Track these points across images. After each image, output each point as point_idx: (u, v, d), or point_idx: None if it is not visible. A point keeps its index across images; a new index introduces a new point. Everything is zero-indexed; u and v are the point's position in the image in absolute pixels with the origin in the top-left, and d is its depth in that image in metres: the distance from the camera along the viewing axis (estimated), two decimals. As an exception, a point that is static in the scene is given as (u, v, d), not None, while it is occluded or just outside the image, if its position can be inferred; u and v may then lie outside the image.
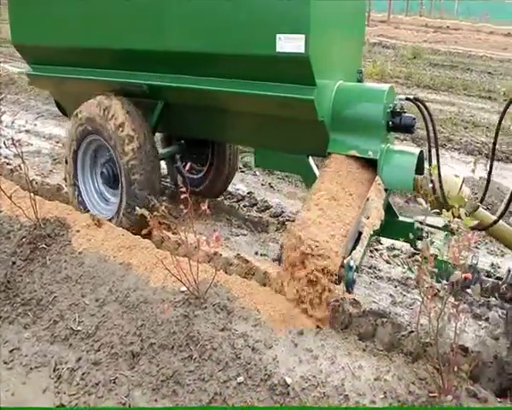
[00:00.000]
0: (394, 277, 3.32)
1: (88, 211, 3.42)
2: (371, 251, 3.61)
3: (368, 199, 2.50)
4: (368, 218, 2.42)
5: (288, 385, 2.01)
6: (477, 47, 14.75)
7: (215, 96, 2.99)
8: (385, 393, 1.98)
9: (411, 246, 3.04)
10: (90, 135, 3.38)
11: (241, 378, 2.05)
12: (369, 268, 3.38)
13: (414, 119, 2.77)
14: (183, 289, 2.49)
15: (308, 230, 2.31)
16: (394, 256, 3.57)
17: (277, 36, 2.57)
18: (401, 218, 3.00)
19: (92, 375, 2.14)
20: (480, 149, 5.92)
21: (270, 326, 2.30)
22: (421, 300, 1.97)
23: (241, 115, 3.06)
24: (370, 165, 2.72)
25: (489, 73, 11.07)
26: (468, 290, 2.45)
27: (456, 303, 1.94)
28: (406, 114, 2.76)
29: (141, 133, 3.19)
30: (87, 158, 3.56)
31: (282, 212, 4.15)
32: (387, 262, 3.45)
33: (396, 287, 3.20)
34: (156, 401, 2.03)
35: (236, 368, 2.10)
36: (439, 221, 2.86)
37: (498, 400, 2.05)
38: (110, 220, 3.33)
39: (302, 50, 2.52)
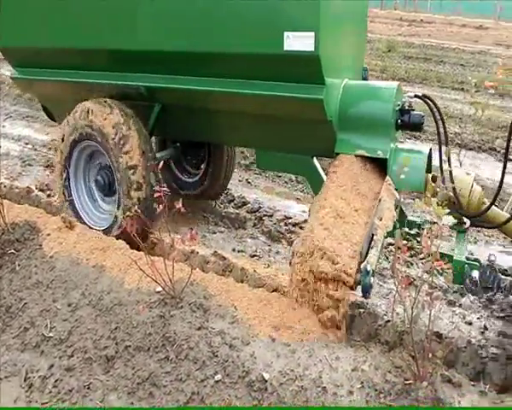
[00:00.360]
0: (371, 268, 3.34)
1: (82, 221, 3.26)
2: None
3: (380, 200, 2.45)
4: (381, 219, 2.37)
5: (266, 381, 2.01)
6: (450, 40, 15.03)
7: (218, 97, 2.88)
8: (362, 383, 2.00)
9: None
10: (84, 141, 3.23)
11: (218, 377, 2.04)
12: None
13: (423, 116, 2.73)
14: (159, 289, 2.46)
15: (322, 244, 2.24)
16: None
17: (285, 34, 2.47)
18: (410, 218, 2.94)
19: (65, 382, 2.09)
20: (453, 139, 6.04)
21: (248, 323, 2.30)
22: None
23: (244, 116, 2.95)
24: (379, 165, 2.66)
25: (461, 64, 11.29)
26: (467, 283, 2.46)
27: (430, 291, 1.97)
28: (415, 112, 2.73)
29: (139, 137, 3.06)
30: (80, 165, 3.39)
31: (260, 207, 4.14)
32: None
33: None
34: (132, 403, 2.00)
35: (214, 366, 2.08)
36: (447, 220, 2.86)
37: (472, 383, 2.10)
38: (107, 231, 3.15)
39: (312, 48, 2.44)
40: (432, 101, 2.75)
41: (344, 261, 2.19)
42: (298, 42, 2.46)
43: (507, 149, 2.47)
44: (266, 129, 2.97)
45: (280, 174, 4.78)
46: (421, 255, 2.19)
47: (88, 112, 3.13)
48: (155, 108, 3.21)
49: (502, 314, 2.89)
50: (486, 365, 2.31)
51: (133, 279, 2.58)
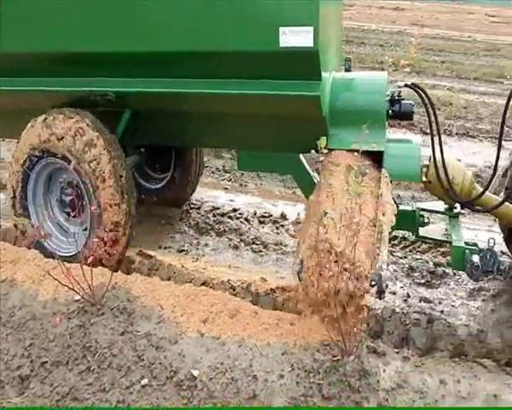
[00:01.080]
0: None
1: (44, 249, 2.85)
2: (277, 227, 3.68)
3: (381, 195, 2.40)
4: (384, 215, 2.32)
5: (196, 377, 1.98)
6: (369, 21, 15.63)
7: (204, 99, 2.68)
8: (292, 365, 2.02)
9: (413, 234, 2.96)
10: (45, 158, 2.87)
11: (145, 381, 1.97)
12: (275, 245, 3.45)
13: (413, 105, 2.75)
14: (77, 297, 2.33)
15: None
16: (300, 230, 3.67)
17: (281, 29, 2.33)
18: (401, 207, 2.92)
19: (-26, 411, 1.92)
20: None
21: (175, 321, 2.25)
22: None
23: (231, 117, 2.77)
24: (373, 157, 2.60)
25: (380, 45, 11.79)
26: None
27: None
28: (405, 101, 2.73)
29: (111, 148, 2.76)
30: (40, 185, 3.01)
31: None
32: (293, 237, 3.55)
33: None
34: (52, 423, 1.88)
35: (140, 371, 2.01)
36: (438, 205, 2.87)
37: (396, 350, 2.22)
38: (76, 257, 2.69)
39: (310, 44, 2.32)
40: (423, 90, 2.73)
41: (360, 263, 2.05)
42: (295, 37, 2.33)
43: (501, 134, 2.55)
44: (253, 128, 2.82)
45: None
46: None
47: (49, 125, 2.78)
48: (125, 115, 2.92)
49: (422, 281, 3.09)
50: (409, 331, 2.45)
51: (48, 290, 2.42)
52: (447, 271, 3.17)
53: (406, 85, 2.76)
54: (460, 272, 3.05)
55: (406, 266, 3.25)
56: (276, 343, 2.14)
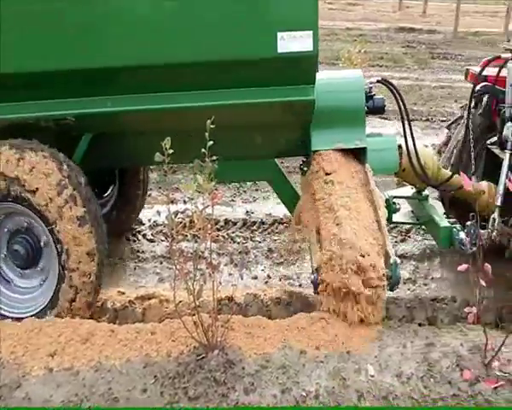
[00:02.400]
0: (159, 253, 3.34)
1: None
2: (133, 234, 3.54)
3: (372, 190, 2.45)
4: (380, 209, 2.37)
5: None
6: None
7: (189, 112, 2.42)
8: (155, 376, 1.94)
9: (387, 221, 2.88)
10: None
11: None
12: (132, 253, 3.31)
13: (385, 100, 2.82)
14: None
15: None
16: (157, 233, 3.59)
17: (279, 34, 2.22)
18: None
19: None
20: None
21: (16, 362, 2.00)
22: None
23: (214, 130, 2.42)
24: (355, 155, 2.64)
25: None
26: None
27: (212, 263, 2.02)
28: (377, 97, 2.78)
29: (73, 178, 2.36)
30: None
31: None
32: (151, 241, 3.45)
33: (162, 263, 3.23)
34: None
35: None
36: (406, 191, 3.00)
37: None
38: (42, 313, 2.37)
39: (310, 48, 2.25)
40: (392, 85, 2.85)
41: (374, 260, 2.09)
42: (294, 42, 2.24)
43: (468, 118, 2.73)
44: (236, 139, 2.62)
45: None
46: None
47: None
48: (84, 139, 2.51)
49: (281, 260, 3.28)
50: (271, 311, 2.57)
51: None
52: (303, 246, 3.42)
53: (378, 81, 2.87)
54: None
55: (265, 248, 3.41)
56: (137, 357, 2.04)
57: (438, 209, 2.98)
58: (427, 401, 1.77)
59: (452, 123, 3.34)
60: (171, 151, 1.93)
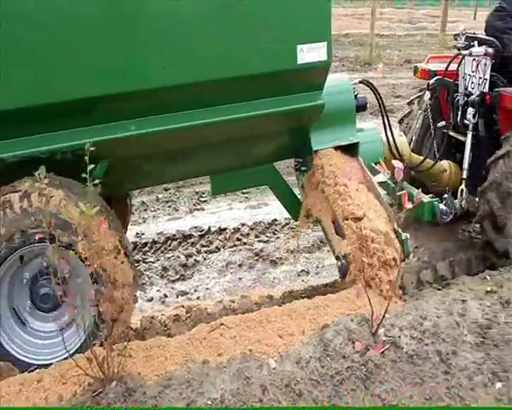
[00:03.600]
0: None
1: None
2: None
3: (371, 179, 2.74)
4: (380, 195, 2.71)
5: None
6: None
7: (210, 128, 2.44)
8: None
9: None
10: (28, 245, 2.12)
11: None
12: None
13: (366, 98, 3.08)
14: None
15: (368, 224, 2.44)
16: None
17: (298, 47, 2.40)
18: None
19: None
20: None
21: None
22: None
23: (228, 142, 2.60)
24: (347, 149, 2.89)
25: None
26: None
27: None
28: (360, 96, 3.04)
29: (105, 211, 2.25)
30: (5, 279, 2.21)
31: None
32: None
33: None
34: None
35: None
36: (381, 177, 2.99)
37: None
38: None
39: (325, 58, 2.47)
40: (372, 85, 3.17)
41: (394, 242, 2.44)
42: (311, 54, 2.45)
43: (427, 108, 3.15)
44: (244, 149, 2.73)
45: None
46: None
47: (28, 201, 2.09)
48: (100, 166, 2.25)
49: (177, 276, 3.26)
50: (170, 329, 2.53)
51: None
52: (198, 259, 3.44)
53: (360, 82, 3.14)
54: (210, 256, 3.38)
55: (159, 267, 3.36)
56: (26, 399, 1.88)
57: (413, 189, 3.30)
58: (326, 379, 1.89)
59: (404, 117, 3.72)
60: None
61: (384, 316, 2.15)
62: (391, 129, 3.21)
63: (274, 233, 3.99)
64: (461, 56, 3.20)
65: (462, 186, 3.16)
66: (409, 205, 2.13)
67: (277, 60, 2.43)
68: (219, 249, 3.74)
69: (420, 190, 3.01)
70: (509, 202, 2.88)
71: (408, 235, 2.53)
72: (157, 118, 2.33)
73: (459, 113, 3.29)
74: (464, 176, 3.17)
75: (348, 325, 2.15)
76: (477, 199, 3.06)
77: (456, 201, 3.15)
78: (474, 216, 3.10)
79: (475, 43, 3.17)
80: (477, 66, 3.18)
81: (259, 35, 2.38)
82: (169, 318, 2.66)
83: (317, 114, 2.68)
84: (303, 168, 2.97)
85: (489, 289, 2.63)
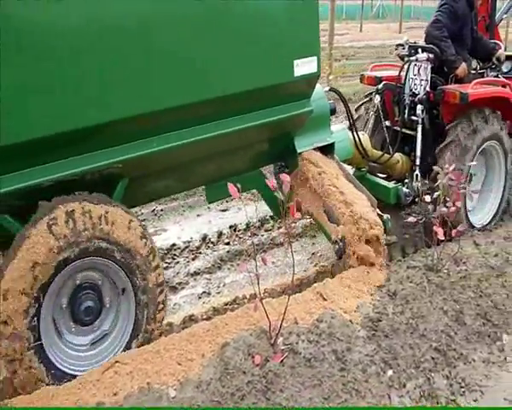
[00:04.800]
0: None
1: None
2: None
3: (348, 173, 3.32)
4: (359, 185, 3.24)
5: None
6: None
7: (215, 140, 2.69)
8: None
9: None
10: (85, 258, 2.22)
11: None
12: None
13: (335, 104, 3.50)
14: None
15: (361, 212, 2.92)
16: None
17: (295, 62, 2.77)
18: None
19: None
20: None
21: None
22: None
23: (226, 153, 2.88)
24: (326, 149, 3.31)
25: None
26: None
27: None
28: (330, 102, 3.44)
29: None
30: (61, 293, 2.25)
31: None
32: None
33: None
34: None
35: None
36: (348, 169, 3.61)
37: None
38: None
39: (315, 70, 2.88)
40: (339, 92, 3.67)
41: (378, 223, 2.92)
42: (305, 67, 2.82)
43: (378, 110, 3.82)
44: (240, 157, 3.03)
45: None
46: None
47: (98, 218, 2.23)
48: (120, 185, 2.48)
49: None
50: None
51: None
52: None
53: (330, 89, 3.64)
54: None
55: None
56: None
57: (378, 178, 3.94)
58: (227, 398, 1.90)
59: (356, 120, 4.01)
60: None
61: (281, 325, 2.22)
62: (356, 130, 3.68)
63: (173, 258, 3.94)
64: (405, 62, 3.82)
65: (417, 172, 3.74)
66: (297, 215, 2.26)
67: (278, 74, 2.79)
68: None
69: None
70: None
71: (389, 215, 3.13)
72: (172, 134, 2.51)
73: (406, 111, 3.83)
74: (417, 163, 3.74)
75: (248, 340, 2.19)
76: (426, 181, 3.71)
77: (414, 184, 3.75)
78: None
79: (419, 50, 3.74)
80: (418, 70, 3.76)
81: (263, 53, 2.70)
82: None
83: (306, 119, 3.09)
84: (286, 170, 3.30)
85: (378, 283, 2.86)
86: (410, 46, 3.85)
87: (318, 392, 1.98)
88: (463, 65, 3.77)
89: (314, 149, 3.22)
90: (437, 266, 2.93)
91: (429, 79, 3.70)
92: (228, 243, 4.09)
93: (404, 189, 3.74)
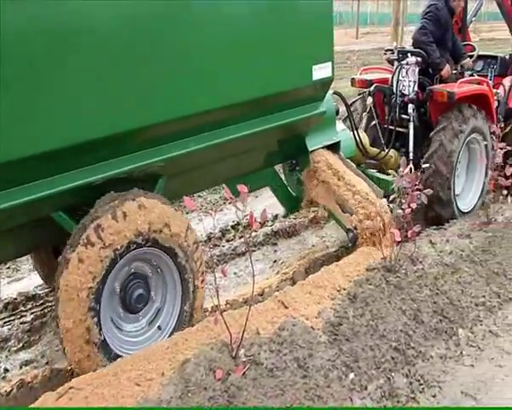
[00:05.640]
0: None
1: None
2: None
3: (354, 167, 3.70)
4: (365, 178, 3.62)
5: None
6: None
7: (242, 140, 2.97)
8: None
9: None
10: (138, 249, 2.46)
11: None
12: None
13: (338, 106, 3.83)
14: None
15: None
16: None
17: (313, 67, 3.13)
18: None
19: None
20: None
21: None
22: None
23: (250, 151, 3.19)
24: (333, 147, 3.65)
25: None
26: None
27: None
28: (334, 104, 3.76)
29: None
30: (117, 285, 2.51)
31: None
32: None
33: None
34: None
35: None
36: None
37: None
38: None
39: (330, 74, 3.23)
40: (341, 95, 3.93)
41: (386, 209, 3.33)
42: (322, 71, 3.17)
43: (374, 109, 4.38)
44: (259, 155, 3.37)
45: None
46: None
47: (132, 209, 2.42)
48: (159, 183, 2.73)
49: (20, 345, 2.95)
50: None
51: None
52: (45, 320, 3.17)
53: (334, 93, 3.82)
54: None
55: None
56: None
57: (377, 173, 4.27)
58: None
59: (346, 118, 4.26)
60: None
61: (242, 337, 2.24)
62: (357, 130, 4.09)
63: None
64: (395, 66, 4.23)
65: (411, 165, 4.02)
66: (256, 225, 2.28)
67: (299, 78, 3.15)
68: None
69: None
70: (449, 160, 3.90)
71: (394, 205, 3.36)
72: (207, 134, 2.79)
73: (397, 110, 4.20)
74: (411, 157, 4.09)
75: (209, 355, 2.19)
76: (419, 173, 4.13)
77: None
78: None
79: (408, 54, 4.14)
80: (407, 72, 4.15)
81: (287, 59, 3.03)
82: (6, 394, 2.40)
83: (319, 118, 3.45)
84: (298, 167, 3.68)
85: (338, 288, 2.92)
86: (399, 51, 4.28)
87: (281, 401, 2.00)
88: (447, 67, 4.19)
89: (322, 147, 3.59)
90: (395, 266, 3.02)
91: (417, 80, 4.11)
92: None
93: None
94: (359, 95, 4.47)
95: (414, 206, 3.12)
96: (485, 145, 4.21)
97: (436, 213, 4.00)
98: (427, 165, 3.83)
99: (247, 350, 2.25)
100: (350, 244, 3.44)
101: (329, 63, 3.23)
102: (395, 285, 2.87)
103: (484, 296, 3.01)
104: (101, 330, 2.35)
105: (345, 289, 2.88)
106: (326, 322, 2.56)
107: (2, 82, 2.01)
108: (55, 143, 2.20)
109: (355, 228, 3.33)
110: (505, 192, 4.04)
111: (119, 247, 2.34)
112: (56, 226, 2.41)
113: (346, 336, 2.48)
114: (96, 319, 2.30)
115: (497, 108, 4.46)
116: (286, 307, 2.66)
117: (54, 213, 2.38)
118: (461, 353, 2.56)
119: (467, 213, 4.17)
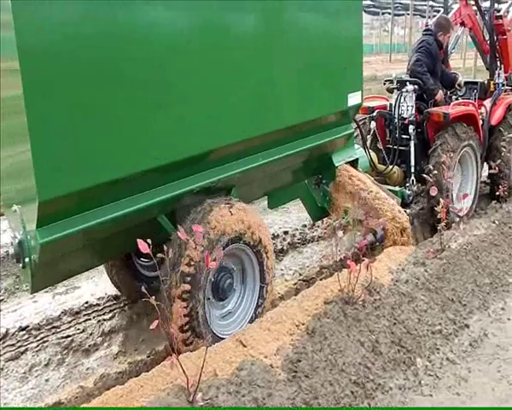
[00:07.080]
0: None
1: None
2: None
3: (373, 180, 4.29)
4: (382, 188, 4.24)
5: None
6: None
7: (286, 158, 3.55)
8: None
9: None
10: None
11: None
12: None
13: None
14: None
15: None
16: None
17: (349, 95, 3.82)
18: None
19: None
20: None
21: None
22: None
23: (289, 167, 3.82)
24: (352, 163, 4.25)
25: None
26: None
27: None
28: None
29: None
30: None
31: None
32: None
33: None
34: None
35: None
36: None
37: None
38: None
39: (359, 101, 3.94)
40: (355, 120, 4.42)
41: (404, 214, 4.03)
42: (354, 98, 3.84)
43: (377, 131, 5.15)
44: (297, 170, 3.97)
45: None
46: None
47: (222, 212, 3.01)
48: (233, 191, 3.33)
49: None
50: None
51: None
52: None
53: None
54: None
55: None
56: None
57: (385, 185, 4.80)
58: None
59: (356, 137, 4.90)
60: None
61: (199, 380, 2.23)
62: (368, 149, 4.80)
63: (88, 318, 3.80)
64: (396, 93, 5.02)
65: (412, 177, 4.97)
66: (212, 265, 2.30)
67: (339, 103, 3.80)
68: (21, 354, 3.40)
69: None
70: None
71: (408, 210, 4.22)
72: (271, 151, 3.39)
73: (397, 132, 4.98)
74: (412, 171, 4.93)
75: (165, 401, 2.17)
76: (420, 184, 5.03)
77: (413, 187, 5.00)
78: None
79: (407, 83, 4.90)
80: (404, 98, 4.94)
81: (331, 88, 3.69)
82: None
83: (348, 138, 4.12)
84: (324, 181, 4.21)
85: (297, 322, 2.96)
86: (397, 81, 5.07)
87: (239, 446, 1.99)
88: (440, 92, 5.03)
89: (345, 162, 4.18)
90: (352, 298, 3.10)
91: (414, 104, 4.90)
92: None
93: (407, 191, 4.88)
94: (360, 120, 5.11)
95: (369, 238, 3.25)
96: (475, 157, 5.11)
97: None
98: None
99: (204, 394, 2.24)
100: (377, 244, 3.94)
101: (359, 91, 3.94)
102: (353, 317, 2.94)
103: (440, 324, 3.13)
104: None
105: (303, 324, 2.93)
106: (285, 359, 2.59)
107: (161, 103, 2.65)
108: (177, 156, 2.79)
109: (382, 229, 3.87)
110: (457, 219, 4.26)
111: (226, 239, 2.93)
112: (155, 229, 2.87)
113: (306, 373, 2.51)
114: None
115: (482, 125, 5.28)
116: (244, 346, 2.67)
117: (159, 216, 2.91)
118: (419, 382, 2.64)
119: (463, 217, 4.86)
